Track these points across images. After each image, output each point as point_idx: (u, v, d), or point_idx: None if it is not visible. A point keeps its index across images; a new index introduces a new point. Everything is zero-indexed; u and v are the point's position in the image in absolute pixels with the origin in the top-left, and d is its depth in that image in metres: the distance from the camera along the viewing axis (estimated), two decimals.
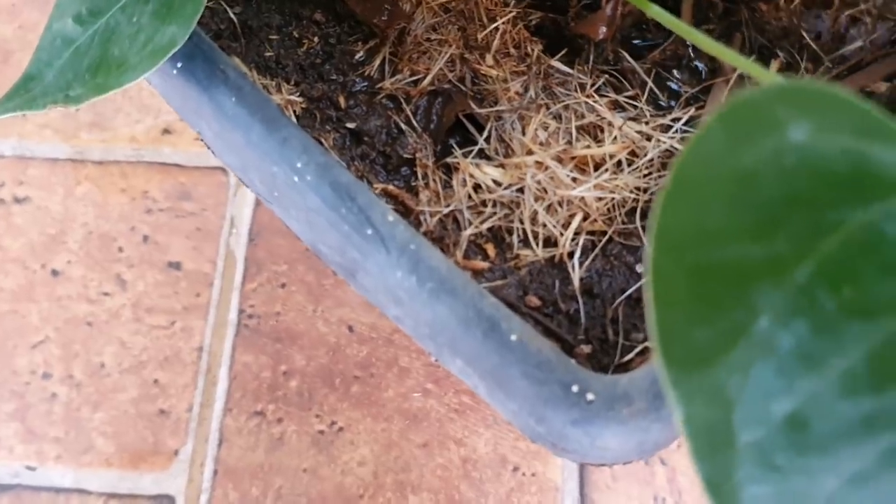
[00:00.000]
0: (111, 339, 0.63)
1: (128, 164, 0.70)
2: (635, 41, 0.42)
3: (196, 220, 0.67)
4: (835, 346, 0.19)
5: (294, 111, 0.39)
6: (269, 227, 0.67)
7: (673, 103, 0.41)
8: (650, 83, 0.41)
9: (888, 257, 0.19)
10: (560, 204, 0.37)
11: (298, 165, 0.34)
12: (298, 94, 0.39)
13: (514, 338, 0.30)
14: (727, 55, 0.27)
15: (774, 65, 0.41)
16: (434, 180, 0.39)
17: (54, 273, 0.65)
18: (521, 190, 0.37)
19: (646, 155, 0.38)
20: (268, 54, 0.41)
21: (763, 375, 0.18)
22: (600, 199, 0.37)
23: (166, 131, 0.71)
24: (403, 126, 0.40)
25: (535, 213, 0.37)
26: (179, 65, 0.36)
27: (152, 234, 0.67)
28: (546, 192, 0.37)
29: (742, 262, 0.19)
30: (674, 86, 0.41)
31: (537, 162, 0.38)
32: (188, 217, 0.67)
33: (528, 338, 0.31)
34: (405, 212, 0.38)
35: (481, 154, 0.39)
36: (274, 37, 0.41)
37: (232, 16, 0.41)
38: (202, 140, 0.39)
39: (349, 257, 0.34)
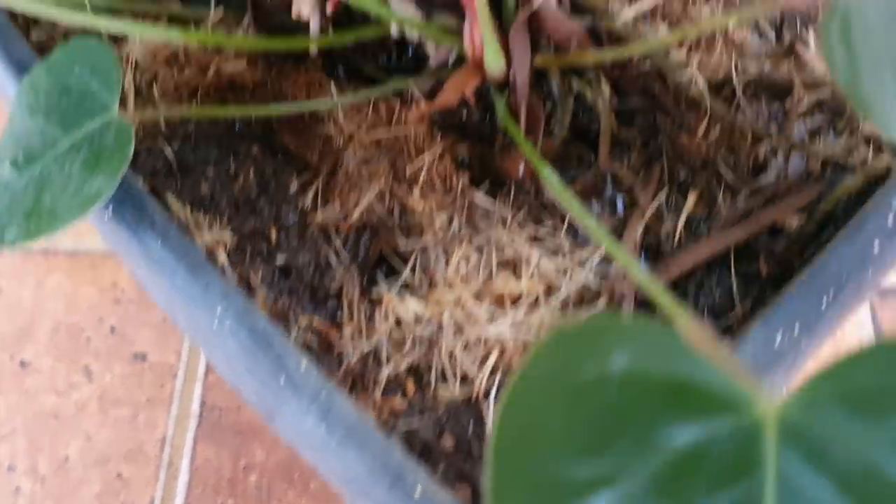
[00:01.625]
0: (77, 432, 0.63)
1: (98, 255, 0.71)
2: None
3: (162, 312, 0.69)
4: None
5: (225, 248, 0.40)
6: None
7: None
8: (569, 216, 0.42)
9: (710, 477, 0.20)
10: (477, 341, 0.38)
11: (219, 311, 0.36)
12: (230, 230, 0.41)
13: (418, 493, 0.31)
14: (591, 226, 0.29)
15: (692, 197, 0.43)
16: (359, 314, 0.40)
17: (23, 364, 0.66)
18: (439, 327, 0.39)
19: (561, 290, 0.39)
20: (203, 190, 0.42)
21: None
22: (516, 337, 0.38)
23: None
24: (332, 259, 0.41)
25: (453, 350, 0.38)
26: (111, 210, 0.38)
27: (119, 326, 0.68)
28: (463, 329, 0.38)
29: (575, 477, 0.20)
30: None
31: (457, 299, 0.39)
32: (155, 309, 0.69)
33: (432, 492, 0.32)
34: (328, 348, 0.39)
35: (406, 287, 0.41)
36: (210, 172, 0.43)
37: (168, 154, 0.42)
38: (135, 279, 0.41)
39: (265, 402, 0.35)
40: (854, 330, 0.67)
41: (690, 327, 0.22)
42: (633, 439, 0.20)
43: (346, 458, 0.33)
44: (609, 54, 0.38)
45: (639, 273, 0.28)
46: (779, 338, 0.35)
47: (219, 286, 0.36)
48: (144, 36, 0.42)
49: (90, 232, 0.72)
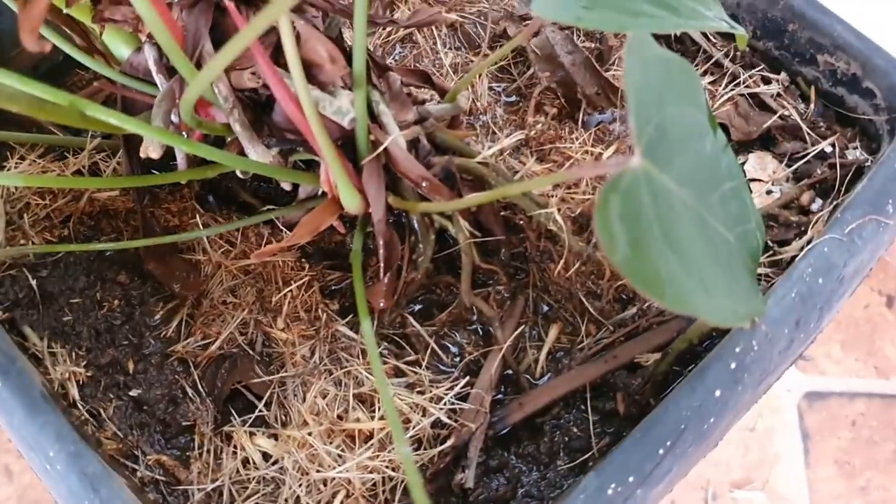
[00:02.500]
0: None
1: None
2: (420, 303, 0.44)
3: None
4: None
5: (78, 381, 0.40)
6: None
7: (457, 363, 0.42)
8: (433, 345, 0.42)
9: None
10: (323, 483, 0.38)
11: (51, 454, 0.35)
12: (85, 363, 0.41)
13: None
14: (385, 400, 0.28)
15: (554, 330, 0.43)
16: (208, 450, 0.39)
17: None
18: (282, 469, 0.38)
19: (413, 427, 0.39)
20: (65, 319, 0.42)
21: None
22: (363, 477, 0.38)
23: None
24: (189, 391, 0.41)
25: (297, 494, 0.38)
26: None
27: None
28: (307, 472, 0.38)
29: None
30: (455, 349, 0.43)
31: (302, 439, 0.38)
32: None
33: None
34: (175, 484, 0.39)
35: (261, 421, 0.41)
36: (75, 300, 0.43)
37: (32, 283, 0.42)
38: None
39: None
40: (783, 433, 0.67)
41: None
42: None
43: None
44: (452, 204, 0.38)
45: (407, 461, 0.28)
46: (610, 490, 0.34)
47: (53, 428, 0.36)
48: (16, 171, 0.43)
49: None
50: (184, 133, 0.39)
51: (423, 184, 0.39)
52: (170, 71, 0.40)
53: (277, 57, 0.37)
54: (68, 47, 0.41)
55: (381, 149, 0.38)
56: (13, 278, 0.43)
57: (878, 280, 0.73)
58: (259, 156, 0.38)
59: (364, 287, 0.39)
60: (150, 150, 0.38)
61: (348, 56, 0.39)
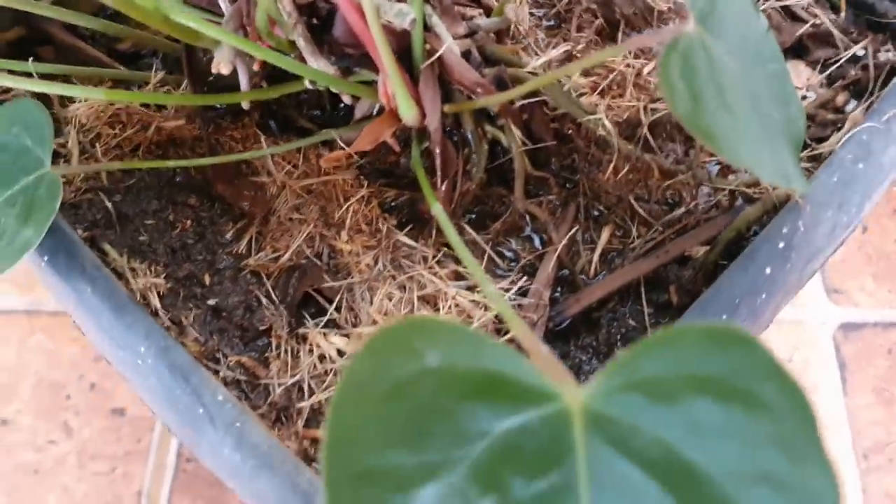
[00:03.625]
0: (55, 485, 0.65)
1: None
2: (474, 214, 0.46)
3: None
4: None
5: (158, 292, 0.42)
6: None
7: (513, 267, 0.44)
8: (489, 252, 0.44)
9: (527, 465, 0.21)
10: None
11: (141, 349, 0.38)
12: (164, 276, 0.43)
13: None
14: (476, 270, 0.31)
15: (606, 232, 0.45)
16: (285, 350, 0.42)
17: (4, 422, 0.68)
18: None
19: (476, 321, 0.41)
20: (141, 238, 0.45)
21: None
22: None
23: None
24: (263, 299, 0.43)
25: None
26: (46, 258, 0.40)
27: (99, 382, 0.70)
28: None
29: (399, 469, 0.22)
30: (510, 254, 0.45)
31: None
32: None
33: None
34: (255, 382, 0.41)
35: (332, 324, 0.43)
36: (149, 221, 0.45)
37: (108, 205, 0.45)
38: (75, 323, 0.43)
39: (187, 434, 0.37)
40: (820, 364, 0.69)
41: (521, 331, 0.24)
42: (451, 431, 0.22)
43: (259, 484, 0.35)
44: (509, 94, 0.40)
45: (489, 289, 0.30)
46: None
47: (141, 326, 0.38)
48: (89, 97, 0.45)
49: None
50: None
51: (478, 90, 0.41)
52: None
53: None
54: None
55: (437, 55, 0.40)
56: (90, 202, 0.45)
57: None
58: (322, 68, 0.41)
59: (427, 181, 0.41)
60: (222, 65, 0.40)
61: None
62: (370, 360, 0.22)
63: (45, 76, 0.44)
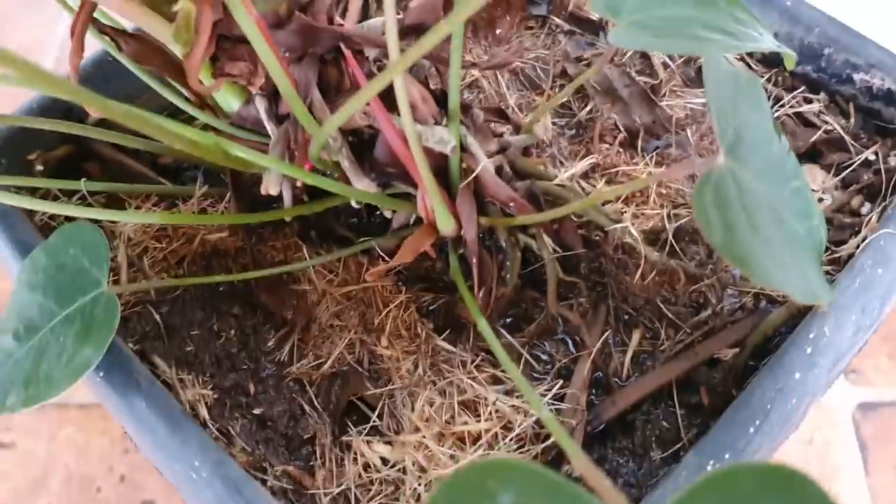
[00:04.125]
0: None
1: None
2: (510, 317, 0.48)
3: None
4: None
5: (206, 403, 0.44)
6: None
7: (549, 370, 0.46)
8: (525, 355, 0.46)
9: None
10: (439, 480, 0.41)
11: (196, 463, 0.39)
12: (211, 386, 0.45)
13: None
14: (520, 382, 0.32)
15: (636, 334, 0.46)
16: (330, 459, 0.43)
17: None
18: (403, 470, 0.42)
19: (517, 428, 0.43)
20: (188, 349, 0.46)
21: None
22: None
23: None
24: (306, 407, 0.45)
25: (417, 491, 0.41)
26: (101, 374, 0.42)
27: (129, 474, 0.71)
28: (426, 470, 0.42)
29: None
30: (545, 357, 0.46)
31: (418, 441, 0.42)
32: None
33: None
34: (302, 491, 0.42)
35: (375, 430, 0.44)
36: (195, 332, 0.47)
37: (157, 318, 0.47)
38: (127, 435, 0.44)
39: None
40: (841, 445, 0.70)
41: (584, 467, 0.25)
42: None
43: None
44: (545, 216, 0.42)
45: (545, 414, 0.31)
46: (709, 466, 0.37)
47: (195, 441, 0.39)
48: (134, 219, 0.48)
49: None
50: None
51: (511, 204, 0.43)
52: (278, 119, 0.44)
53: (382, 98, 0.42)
54: (181, 101, 0.46)
55: (474, 174, 0.42)
56: (139, 314, 0.47)
57: None
58: (365, 187, 0.43)
59: (470, 294, 0.43)
60: (271, 187, 0.42)
61: (434, 96, 0.44)
62: (444, 501, 0.23)
63: (92, 192, 0.46)
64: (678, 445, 0.43)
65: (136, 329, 0.46)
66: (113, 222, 0.50)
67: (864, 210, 0.49)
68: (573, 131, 0.54)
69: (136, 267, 0.49)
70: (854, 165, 0.50)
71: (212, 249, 0.50)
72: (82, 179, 0.47)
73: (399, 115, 0.38)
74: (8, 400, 0.42)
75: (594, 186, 0.50)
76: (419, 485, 0.41)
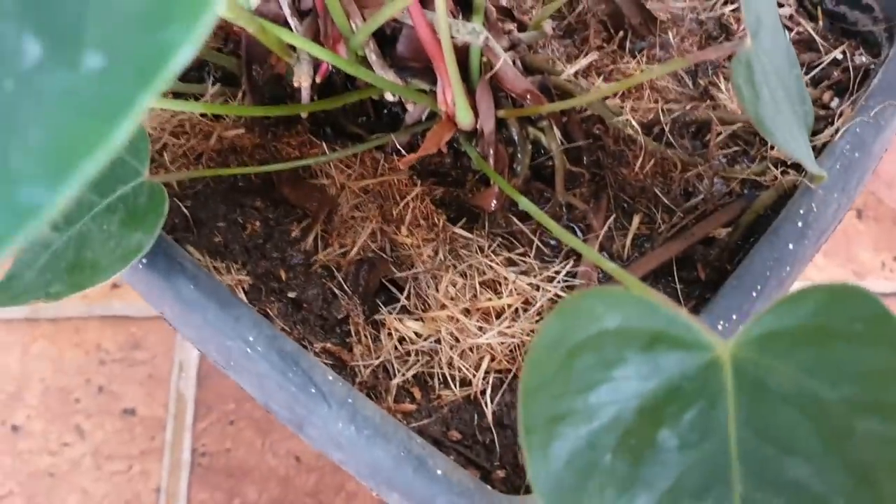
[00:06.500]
0: (73, 488, 0.67)
1: (80, 319, 0.75)
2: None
3: (147, 368, 0.73)
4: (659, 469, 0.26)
5: (243, 288, 0.46)
6: (216, 369, 0.72)
7: (558, 254, 0.50)
8: (536, 241, 0.50)
9: (685, 400, 0.27)
10: (471, 349, 0.45)
11: (250, 339, 0.41)
12: (245, 272, 0.47)
13: (439, 472, 0.37)
14: (569, 238, 0.36)
15: (636, 219, 0.51)
16: (365, 336, 0.46)
17: (14, 429, 0.70)
18: (438, 340, 0.45)
19: (536, 303, 0.46)
20: (217, 240, 0.48)
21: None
22: (503, 343, 0.45)
23: (115, 285, 0.77)
24: (336, 291, 0.47)
25: (451, 358, 0.45)
26: (144, 261, 0.44)
27: (107, 384, 0.72)
28: (458, 340, 0.45)
29: (580, 410, 0.27)
30: (553, 242, 0.50)
31: (449, 315, 0.45)
32: (140, 365, 0.73)
33: (450, 471, 0.38)
34: (342, 366, 0.45)
35: (404, 310, 0.47)
36: (221, 224, 0.49)
37: (184, 210, 0.48)
38: (164, 318, 0.46)
39: (297, 413, 0.41)
40: None
41: (662, 299, 0.29)
42: (624, 377, 0.27)
43: (374, 452, 0.39)
44: (559, 105, 0.45)
45: (609, 265, 0.35)
46: (719, 325, 0.42)
47: (249, 317, 0.42)
48: (156, 109, 0.48)
49: (71, 298, 0.76)
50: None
51: (528, 97, 0.46)
52: (300, 14, 0.46)
53: None
54: None
55: (497, 67, 0.45)
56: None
57: None
58: (391, 79, 0.45)
59: (503, 179, 0.46)
60: (303, 79, 0.44)
61: None
62: (559, 323, 0.27)
63: None
64: None
65: (166, 221, 0.48)
66: None
67: (833, 104, 0.54)
68: (562, 33, 0.57)
69: (157, 162, 0.50)
70: (823, 64, 0.55)
71: (229, 146, 0.51)
72: None
73: (432, 9, 0.40)
74: (52, 288, 0.43)
75: (593, 84, 0.53)
76: (454, 353, 0.45)
